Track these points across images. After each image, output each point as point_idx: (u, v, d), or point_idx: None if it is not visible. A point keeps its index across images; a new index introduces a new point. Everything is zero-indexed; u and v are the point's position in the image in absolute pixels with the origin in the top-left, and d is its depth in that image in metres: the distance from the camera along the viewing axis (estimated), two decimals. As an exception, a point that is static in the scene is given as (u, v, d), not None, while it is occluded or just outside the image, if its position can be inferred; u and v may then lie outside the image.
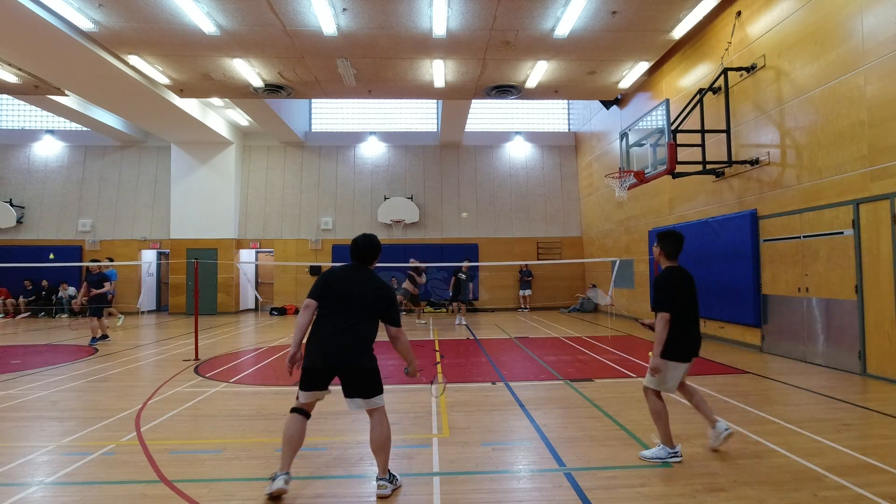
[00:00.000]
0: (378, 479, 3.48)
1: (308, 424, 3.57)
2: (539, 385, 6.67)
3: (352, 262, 3.80)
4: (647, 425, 4.86)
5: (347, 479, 3.78)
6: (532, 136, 19.67)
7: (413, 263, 14.13)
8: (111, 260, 11.57)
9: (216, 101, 15.64)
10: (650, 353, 3.94)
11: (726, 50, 9.81)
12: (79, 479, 3.77)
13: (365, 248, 3.75)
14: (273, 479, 3.40)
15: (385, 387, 3.63)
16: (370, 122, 19.73)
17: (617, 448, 4.29)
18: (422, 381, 6.84)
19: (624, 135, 10.63)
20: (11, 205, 18.17)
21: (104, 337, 11.01)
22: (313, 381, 3.53)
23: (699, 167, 9.79)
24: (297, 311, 17.73)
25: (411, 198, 18.81)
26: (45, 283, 17.74)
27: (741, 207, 9.52)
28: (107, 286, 11.41)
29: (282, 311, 18.10)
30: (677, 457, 3.98)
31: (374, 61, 11.27)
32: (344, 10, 9.04)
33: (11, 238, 18.29)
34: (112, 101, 13.62)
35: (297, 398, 3.57)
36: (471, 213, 19.16)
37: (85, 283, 11.38)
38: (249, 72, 11.60)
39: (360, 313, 3.55)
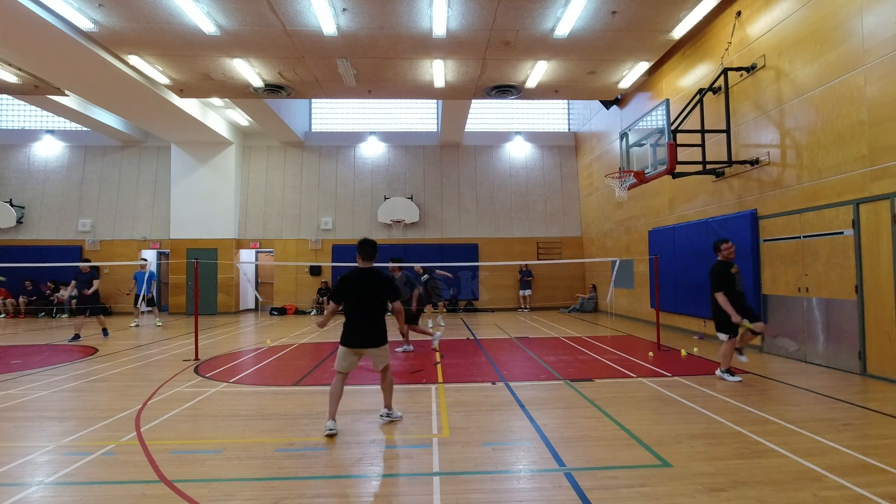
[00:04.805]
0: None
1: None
2: (539, 385, 6.67)
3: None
4: (648, 425, 4.87)
5: (347, 479, 3.78)
6: (532, 136, 19.67)
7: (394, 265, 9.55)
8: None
9: (216, 101, 15.64)
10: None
11: (726, 50, 9.81)
12: (79, 479, 3.77)
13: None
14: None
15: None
16: (370, 122, 19.72)
17: (617, 448, 4.29)
18: (422, 381, 6.90)
19: (624, 135, 10.62)
20: (11, 205, 18.16)
21: (104, 332, 11.13)
22: None
23: (699, 167, 9.79)
24: (297, 311, 18.01)
25: (411, 198, 18.80)
26: (51, 284, 17.74)
27: (741, 207, 9.51)
28: (95, 284, 11.43)
29: (282, 311, 18.09)
30: (331, 430, 4.58)
31: (374, 61, 11.27)
32: (344, 10, 9.04)
33: (11, 238, 18.29)
34: (112, 101, 13.61)
35: None
36: (471, 212, 19.15)
37: (73, 281, 11.42)
38: (249, 72, 11.60)
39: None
